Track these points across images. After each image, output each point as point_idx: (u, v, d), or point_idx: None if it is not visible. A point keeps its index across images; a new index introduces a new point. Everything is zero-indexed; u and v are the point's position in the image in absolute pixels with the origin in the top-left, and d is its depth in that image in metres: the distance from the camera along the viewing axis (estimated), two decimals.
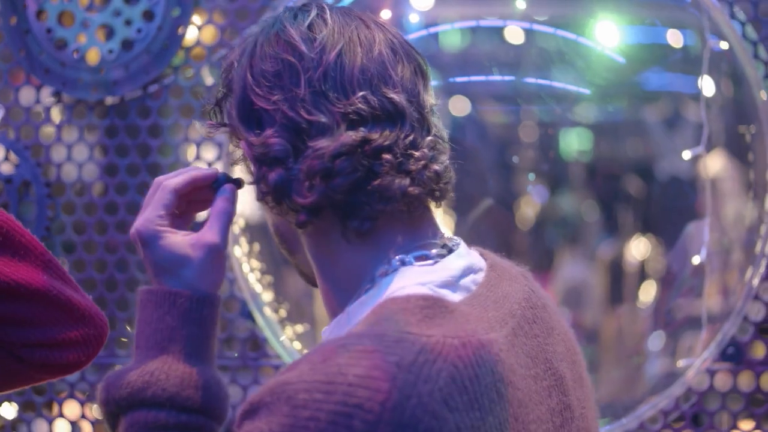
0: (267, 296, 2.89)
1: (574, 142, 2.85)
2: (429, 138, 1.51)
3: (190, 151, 2.85)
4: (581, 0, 2.89)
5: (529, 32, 2.79)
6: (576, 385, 1.61)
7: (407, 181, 1.48)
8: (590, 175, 2.89)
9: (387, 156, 1.47)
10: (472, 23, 2.90)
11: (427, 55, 1.55)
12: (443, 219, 2.90)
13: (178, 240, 1.54)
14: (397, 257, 1.51)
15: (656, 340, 2.93)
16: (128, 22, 2.82)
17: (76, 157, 2.92)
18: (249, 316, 2.83)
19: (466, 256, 1.55)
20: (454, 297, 1.47)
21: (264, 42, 1.51)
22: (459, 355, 1.35)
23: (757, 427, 2.80)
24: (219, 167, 2.81)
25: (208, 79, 2.83)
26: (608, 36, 2.84)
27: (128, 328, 2.87)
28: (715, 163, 2.80)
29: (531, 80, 2.77)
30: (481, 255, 1.60)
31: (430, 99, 1.54)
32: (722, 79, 2.83)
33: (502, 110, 2.90)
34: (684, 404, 2.79)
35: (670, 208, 2.92)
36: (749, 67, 2.81)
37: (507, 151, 2.89)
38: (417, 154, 1.49)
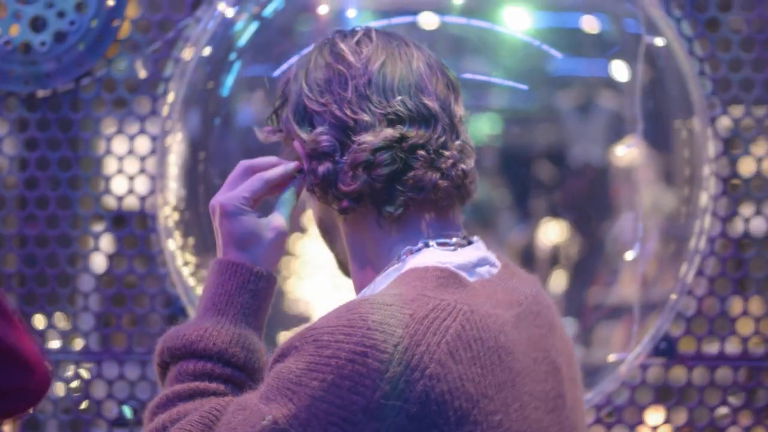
0: (201, 291, 2.86)
1: (484, 128, 2.86)
2: (458, 142, 1.73)
3: (123, 145, 2.83)
4: None
5: (442, 19, 2.82)
6: (570, 384, 1.78)
7: (437, 175, 1.69)
8: (501, 161, 2.90)
9: (421, 152, 1.69)
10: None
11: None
12: None
13: (255, 220, 1.73)
14: (421, 242, 1.71)
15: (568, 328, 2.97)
16: (61, 14, 2.79)
17: (7, 151, 2.89)
18: (182, 311, 2.81)
19: (483, 250, 1.76)
20: (469, 278, 1.67)
21: (317, 56, 1.75)
22: (467, 318, 1.55)
23: (688, 421, 2.82)
24: (152, 161, 2.80)
25: (142, 72, 2.81)
26: (519, 22, 2.85)
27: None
28: (630, 152, 2.81)
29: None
30: (497, 257, 1.79)
31: (460, 110, 1.76)
32: (650, 70, 2.84)
33: None
34: (617, 399, 2.81)
35: (582, 195, 2.93)
36: (685, 64, 2.83)
37: None
38: (447, 153, 1.71)
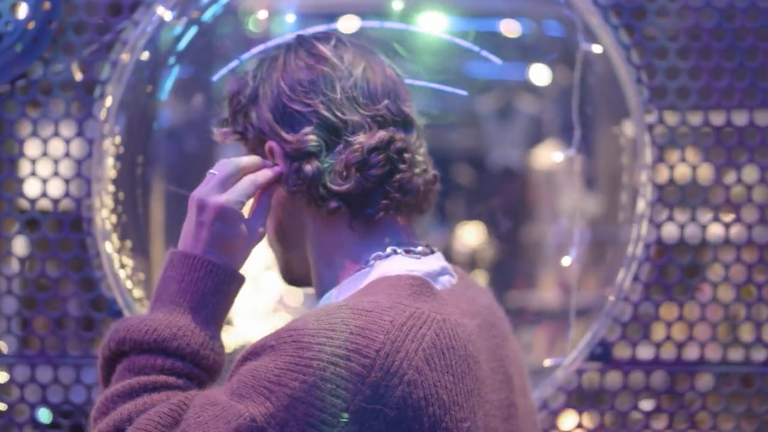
0: (138, 293, 2.85)
1: None
2: (423, 149, 1.82)
3: (59, 147, 2.80)
4: None
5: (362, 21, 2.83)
6: (520, 393, 1.85)
7: (419, 179, 1.77)
8: None
9: (407, 155, 1.75)
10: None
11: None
12: None
13: (246, 227, 1.77)
14: (389, 248, 1.75)
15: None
16: None
17: None
18: (118, 314, 2.79)
19: (443, 260, 1.81)
20: (435, 286, 1.71)
21: (294, 58, 1.79)
22: (441, 327, 1.60)
23: (622, 425, 2.84)
24: (88, 164, 2.78)
25: (78, 75, 2.78)
26: (438, 25, 2.87)
27: None
28: (550, 156, 2.84)
29: None
30: (453, 268, 1.85)
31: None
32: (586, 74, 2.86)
33: None
34: (553, 404, 2.82)
35: (500, 198, 2.95)
36: (622, 71, 2.85)
37: None
38: (421, 159, 1.79)
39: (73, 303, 2.81)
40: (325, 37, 1.83)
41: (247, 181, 1.77)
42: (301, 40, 1.83)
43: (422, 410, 1.53)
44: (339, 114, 1.74)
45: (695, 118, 2.84)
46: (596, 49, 2.85)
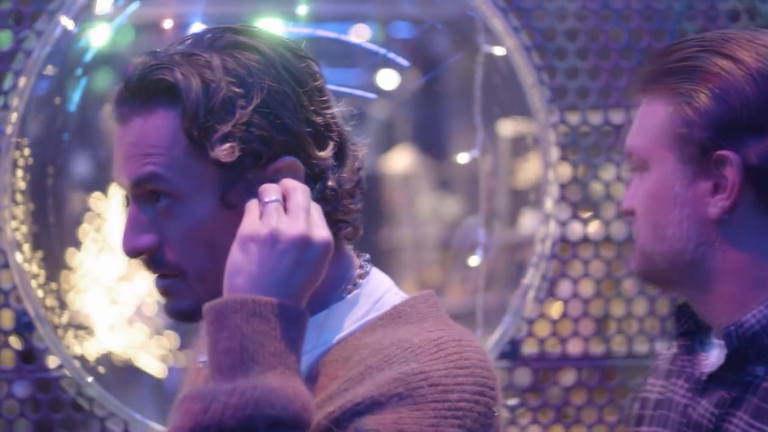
0: (50, 302, 2.86)
1: None
2: None
3: None
4: None
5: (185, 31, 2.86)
6: None
7: None
8: None
9: None
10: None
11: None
12: None
13: None
14: (362, 260, 1.65)
15: None
16: None
17: None
18: (29, 325, 2.78)
19: None
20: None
21: (292, 61, 1.58)
22: None
23: (533, 421, 2.88)
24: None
25: None
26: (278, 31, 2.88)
27: None
28: (405, 160, 2.88)
29: None
30: None
31: None
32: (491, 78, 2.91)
33: None
34: None
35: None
36: (524, 73, 2.90)
37: None
38: None
39: None
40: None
41: (316, 209, 1.55)
42: (285, 42, 1.62)
43: None
44: (335, 126, 1.60)
45: (596, 117, 2.90)
46: (498, 51, 2.90)
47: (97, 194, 3.10)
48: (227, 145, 1.53)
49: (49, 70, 2.85)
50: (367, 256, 1.66)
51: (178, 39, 1.63)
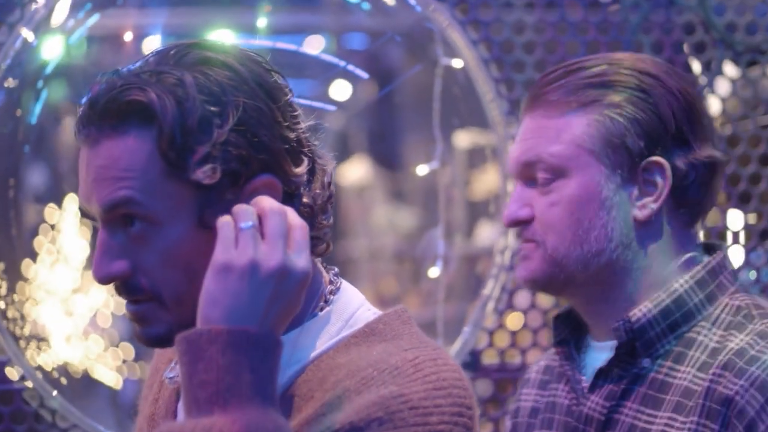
0: (11, 313, 2.86)
1: None
2: None
3: None
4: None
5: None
6: None
7: None
8: None
9: None
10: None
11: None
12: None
13: None
14: (332, 274, 1.61)
15: None
16: None
17: None
18: None
19: None
20: None
21: (261, 74, 1.53)
22: None
23: (495, 429, 2.90)
24: None
25: None
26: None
27: None
28: (360, 171, 2.90)
29: None
30: None
31: None
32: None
33: None
34: None
35: None
36: (482, 85, 2.92)
37: None
38: None
39: None
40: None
41: (300, 232, 1.50)
42: (252, 56, 1.57)
43: None
44: (313, 140, 1.58)
45: None
46: (456, 63, 2.92)
47: (51, 206, 3.09)
48: (208, 166, 1.49)
49: (10, 82, 2.86)
50: (336, 269, 1.64)
51: (140, 56, 1.55)
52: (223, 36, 2.82)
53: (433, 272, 2.91)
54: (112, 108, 1.48)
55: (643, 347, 1.86)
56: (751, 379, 1.75)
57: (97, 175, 1.51)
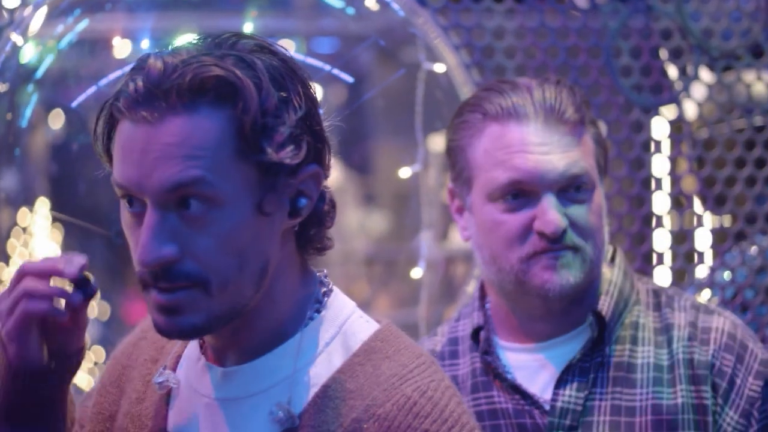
0: None
1: None
2: None
3: None
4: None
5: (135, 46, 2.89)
6: None
7: None
8: None
9: None
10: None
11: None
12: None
13: None
14: (323, 278, 1.62)
15: None
16: None
17: None
18: None
19: None
20: None
21: (291, 65, 1.54)
22: None
23: None
24: None
25: None
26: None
27: None
28: (332, 174, 2.92)
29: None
30: None
31: None
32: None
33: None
34: None
35: None
36: (464, 90, 2.96)
37: None
38: None
39: None
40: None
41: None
42: (272, 47, 1.55)
43: None
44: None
45: None
46: (438, 68, 2.96)
47: (24, 209, 3.11)
48: (290, 147, 1.49)
49: (2, 86, 2.89)
50: (325, 271, 1.64)
51: (180, 43, 1.53)
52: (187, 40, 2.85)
53: (416, 273, 2.95)
54: (183, 84, 1.46)
55: (609, 336, 2.06)
56: (719, 343, 2.05)
57: (162, 153, 1.46)
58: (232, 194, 1.48)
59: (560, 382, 2.05)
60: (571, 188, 2.03)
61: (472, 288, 2.92)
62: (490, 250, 2.07)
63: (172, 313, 1.50)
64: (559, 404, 2.03)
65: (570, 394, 2.03)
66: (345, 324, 1.60)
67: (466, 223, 2.14)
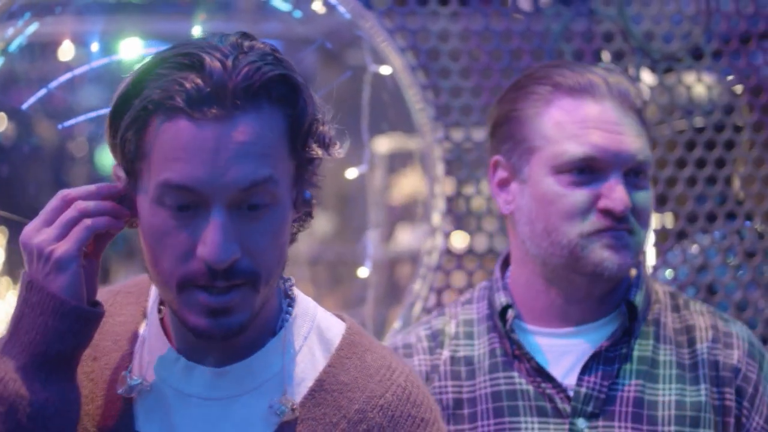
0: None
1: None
2: None
3: None
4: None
5: (84, 50, 2.90)
6: None
7: None
8: None
9: None
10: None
11: None
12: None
13: None
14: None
15: None
16: None
17: None
18: None
19: None
20: None
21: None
22: None
23: None
24: None
25: None
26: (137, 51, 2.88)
27: None
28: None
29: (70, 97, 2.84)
30: None
31: None
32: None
33: (54, 126, 2.94)
34: None
35: None
36: (410, 92, 2.99)
37: (60, 166, 2.94)
38: None
39: None
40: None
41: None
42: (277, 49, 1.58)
43: None
44: None
45: (478, 134, 3.00)
46: (384, 70, 2.99)
47: None
48: (337, 144, 1.58)
49: None
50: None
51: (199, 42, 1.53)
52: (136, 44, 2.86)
53: (362, 272, 2.97)
54: (252, 84, 1.48)
55: (637, 328, 2.07)
56: (743, 349, 2.07)
57: (237, 152, 1.47)
58: (284, 191, 1.53)
59: (586, 368, 2.05)
60: (634, 173, 2.04)
61: (417, 289, 2.96)
62: (546, 223, 2.05)
63: (223, 314, 1.51)
64: (583, 390, 2.03)
65: (595, 381, 2.04)
66: (316, 318, 1.66)
67: (512, 195, 2.12)
